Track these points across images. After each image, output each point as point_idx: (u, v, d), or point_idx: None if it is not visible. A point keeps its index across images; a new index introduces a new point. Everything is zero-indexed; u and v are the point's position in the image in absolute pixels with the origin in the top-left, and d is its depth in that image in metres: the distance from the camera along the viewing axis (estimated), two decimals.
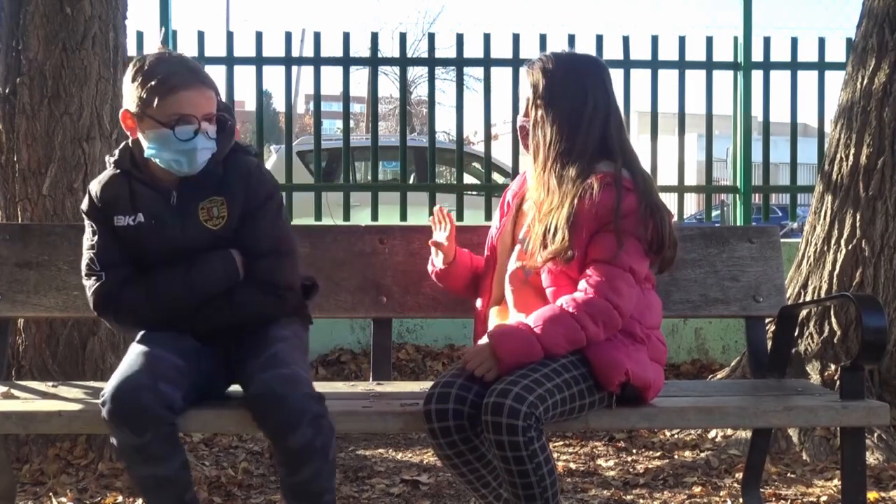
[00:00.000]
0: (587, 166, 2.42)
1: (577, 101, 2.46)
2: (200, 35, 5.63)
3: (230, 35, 5.63)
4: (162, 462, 2.26)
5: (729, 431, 3.90)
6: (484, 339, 2.40)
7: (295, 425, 2.22)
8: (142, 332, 2.44)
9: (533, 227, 2.46)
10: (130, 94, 2.37)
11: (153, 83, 2.31)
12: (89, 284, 2.44)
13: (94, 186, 2.48)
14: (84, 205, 2.49)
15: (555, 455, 3.82)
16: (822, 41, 5.80)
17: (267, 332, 2.42)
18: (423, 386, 2.54)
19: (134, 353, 2.35)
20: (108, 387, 2.26)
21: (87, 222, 2.48)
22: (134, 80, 2.36)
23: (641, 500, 3.29)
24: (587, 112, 2.46)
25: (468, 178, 8.47)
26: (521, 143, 2.58)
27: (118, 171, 2.46)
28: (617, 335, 2.39)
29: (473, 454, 2.37)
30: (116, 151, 2.49)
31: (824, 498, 3.23)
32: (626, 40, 5.75)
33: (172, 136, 2.32)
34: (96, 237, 2.44)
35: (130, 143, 2.46)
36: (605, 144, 2.47)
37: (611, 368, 2.34)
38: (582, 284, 2.36)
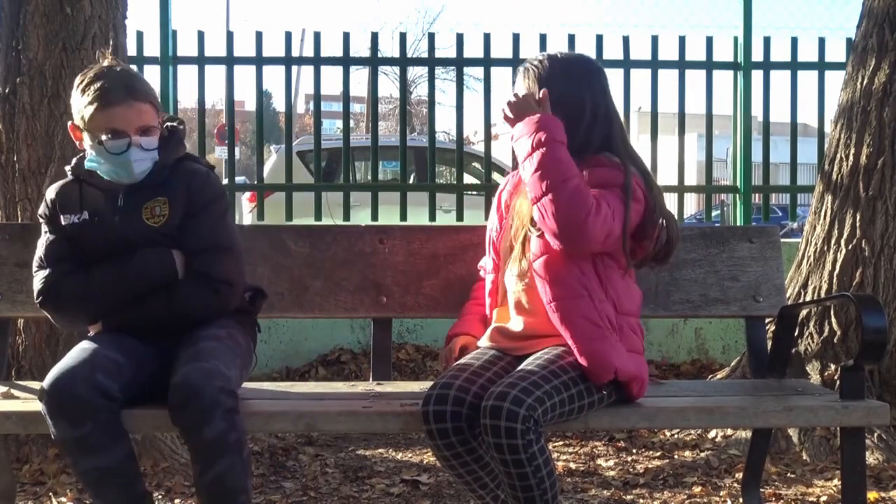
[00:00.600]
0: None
1: (574, 100, 2.45)
2: (200, 35, 5.63)
3: (230, 35, 5.62)
4: (102, 453, 2.27)
5: (729, 431, 3.90)
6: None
7: (209, 417, 2.23)
8: (88, 335, 2.51)
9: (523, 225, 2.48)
10: (75, 107, 2.49)
11: (88, 99, 2.43)
12: (37, 278, 2.52)
13: (50, 192, 2.60)
14: (41, 210, 2.62)
15: (555, 455, 3.82)
16: (822, 41, 5.80)
17: (200, 331, 2.45)
18: (423, 386, 2.54)
19: (73, 351, 2.39)
20: (46, 381, 2.28)
21: (42, 224, 2.59)
22: (75, 93, 2.49)
23: (641, 500, 3.29)
24: (586, 114, 2.45)
25: (468, 178, 8.48)
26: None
27: (72, 178, 2.59)
28: (602, 324, 2.37)
29: (471, 455, 2.36)
30: (74, 160, 2.61)
31: (824, 498, 3.23)
32: (626, 40, 5.75)
33: (104, 150, 2.44)
34: (47, 236, 2.56)
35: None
36: (608, 147, 2.46)
37: (600, 367, 2.34)
38: None
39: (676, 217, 5.90)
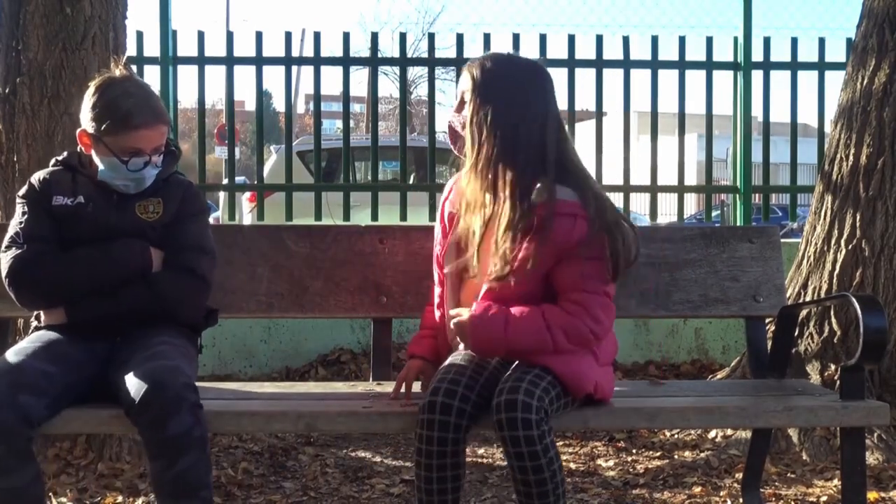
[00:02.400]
0: (529, 175, 2.36)
1: (515, 99, 2.39)
2: (200, 35, 5.63)
3: (230, 35, 5.63)
4: (12, 474, 2.23)
5: (729, 431, 3.90)
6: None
7: (174, 411, 2.22)
8: (18, 344, 2.47)
9: (490, 249, 2.40)
10: (90, 118, 2.51)
11: (115, 117, 2.47)
12: (9, 255, 2.49)
13: (37, 176, 2.61)
14: (23, 191, 2.60)
15: None
16: (822, 41, 5.80)
17: (154, 336, 2.46)
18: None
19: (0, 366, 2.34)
20: None
21: (19, 203, 2.58)
22: (95, 106, 2.50)
23: (641, 500, 3.29)
24: (527, 113, 2.38)
25: None
26: (451, 142, 2.53)
27: (63, 167, 2.62)
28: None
29: (453, 459, 2.32)
30: (65, 153, 2.65)
31: (824, 498, 3.23)
32: (626, 40, 5.76)
33: (124, 168, 2.50)
34: (26, 216, 2.55)
35: (79, 150, 2.60)
36: (543, 154, 2.38)
37: (581, 384, 2.36)
38: (565, 304, 2.36)
39: (675, 217, 5.94)
